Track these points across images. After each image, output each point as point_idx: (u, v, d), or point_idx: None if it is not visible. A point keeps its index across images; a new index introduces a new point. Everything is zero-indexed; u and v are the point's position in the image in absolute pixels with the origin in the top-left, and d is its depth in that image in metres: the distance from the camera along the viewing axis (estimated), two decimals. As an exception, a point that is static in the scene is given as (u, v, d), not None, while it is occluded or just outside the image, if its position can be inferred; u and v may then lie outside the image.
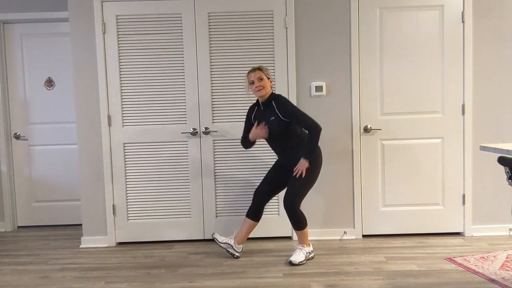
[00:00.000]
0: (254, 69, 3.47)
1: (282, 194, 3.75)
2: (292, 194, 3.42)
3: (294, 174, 3.41)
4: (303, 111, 3.44)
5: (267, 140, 3.55)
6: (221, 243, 3.58)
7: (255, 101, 3.63)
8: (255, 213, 3.58)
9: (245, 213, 3.64)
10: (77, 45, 3.96)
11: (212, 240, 4.01)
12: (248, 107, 3.80)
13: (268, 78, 3.46)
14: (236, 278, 3.22)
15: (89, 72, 3.97)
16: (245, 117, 3.67)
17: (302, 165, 3.37)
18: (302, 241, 3.52)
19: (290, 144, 3.45)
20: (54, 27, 4.62)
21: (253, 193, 3.69)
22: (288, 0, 3.90)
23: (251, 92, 3.50)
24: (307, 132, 3.40)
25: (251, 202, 3.65)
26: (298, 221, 3.46)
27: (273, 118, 3.40)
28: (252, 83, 3.44)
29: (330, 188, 4.01)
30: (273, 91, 3.55)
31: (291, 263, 3.42)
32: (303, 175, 3.38)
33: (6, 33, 4.64)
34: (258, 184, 3.84)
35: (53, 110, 4.69)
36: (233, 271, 3.36)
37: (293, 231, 3.99)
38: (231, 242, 3.59)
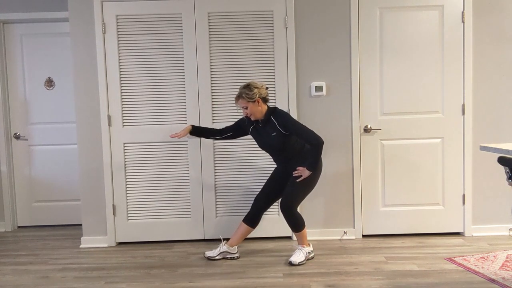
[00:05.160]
0: (236, 98, 3.41)
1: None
2: (290, 196, 3.42)
3: (294, 175, 3.41)
4: (303, 124, 3.41)
5: (268, 152, 3.55)
6: (215, 257, 3.57)
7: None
8: (252, 219, 3.56)
9: (245, 214, 3.63)
10: (77, 45, 3.96)
11: (212, 240, 4.02)
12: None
13: (254, 100, 3.34)
14: (236, 278, 3.22)
15: (89, 72, 3.97)
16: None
17: (304, 173, 3.38)
18: (302, 242, 3.52)
19: (291, 154, 3.45)
20: (54, 27, 4.62)
21: (253, 193, 3.69)
22: (288, 0, 3.90)
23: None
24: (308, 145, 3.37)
25: (251, 203, 3.63)
26: (296, 223, 3.46)
27: (274, 133, 3.38)
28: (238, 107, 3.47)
29: (330, 188, 4.01)
30: (269, 105, 3.47)
31: (291, 264, 3.42)
32: (299, 180, 3.39)
33: (6, 33, 4.64)
34: (258, 184, 3.85)
35: (53, 110, 4.69)
36: (233, 271, 3.36)
37: (293, 231, 3.99)
38: (224, 249, 3.58)
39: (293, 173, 3.42)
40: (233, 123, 3.68)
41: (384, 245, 3.84)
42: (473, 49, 3.93)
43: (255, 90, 3.34)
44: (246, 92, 3.35)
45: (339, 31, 3.94)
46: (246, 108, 3.38)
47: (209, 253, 3.60)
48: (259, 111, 3.39)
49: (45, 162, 4.72)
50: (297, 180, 3.40)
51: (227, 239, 3.65)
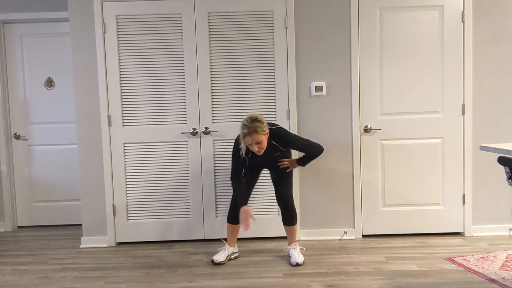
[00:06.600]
0: (249, 134, 3.12)
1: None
2: (287, 188, 3.52)
3: (282, 166, 3.46)
4: (303, 138, 3.51)
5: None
6: (224, 261, 3.52)
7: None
8: (235, 218, 3.46)
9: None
10: (77, 45, 3.96)
11: (212, 240, 4.02)
12: (247, 107, 3.81)
13: (266, 132, 3.19)
14: (236, 278, 3.22)
15: (89, 72, 3.97)
16: (244, 116, 3.51)
17: (293, 165, 3.49)
18: (294, 238, 3.57)
19: (287, 156, 3.54)
20: (54, 27, 4.62)
21: (252, 192, 3.68)
22: (288, 0, 3.90)
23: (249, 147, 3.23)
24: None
25: (250, 203, 3.63)
26: (295, 214, 3.55)
27: (278, 153, 3.42)
28: (250, 144, 3.19)
29: (330, 188, 4.01)
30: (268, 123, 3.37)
31: (297, 264, 3.39)
32: (288, 170, 3.50)
33: (6, 33, 4.64)
34: (257, 184, 3.83)
35: (53, 110, 4.69)
36: (233, 271, 3.36)
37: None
38: (229, 250, 3.57)
39: (281, 165, 3.47)
40: (238, 166, 3.39)
41: (384, 245, 3.84)
42: (473, 49, 3.93)
43: (264, 122, 3.20)
44: (259, 126, 3.13)
45: (339, 31, 3.94)
46: (259, 142, 3.16)
47: (218, 258, 3.49)
48: (266, 140, 3.28)
49: (45, 162, 4.72)
50: (287, 171, 3.49)
51: (226, 239, 3.65)
